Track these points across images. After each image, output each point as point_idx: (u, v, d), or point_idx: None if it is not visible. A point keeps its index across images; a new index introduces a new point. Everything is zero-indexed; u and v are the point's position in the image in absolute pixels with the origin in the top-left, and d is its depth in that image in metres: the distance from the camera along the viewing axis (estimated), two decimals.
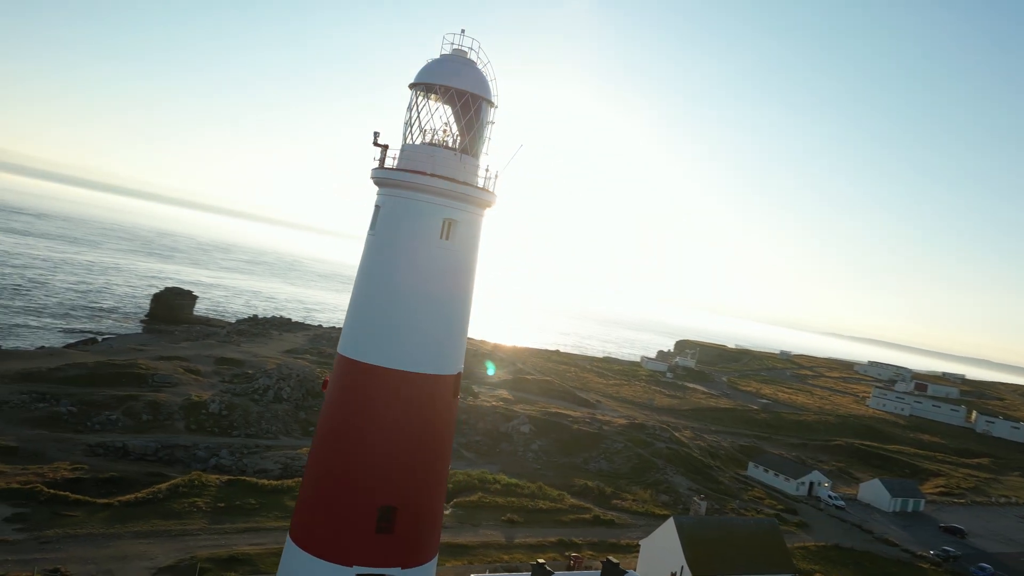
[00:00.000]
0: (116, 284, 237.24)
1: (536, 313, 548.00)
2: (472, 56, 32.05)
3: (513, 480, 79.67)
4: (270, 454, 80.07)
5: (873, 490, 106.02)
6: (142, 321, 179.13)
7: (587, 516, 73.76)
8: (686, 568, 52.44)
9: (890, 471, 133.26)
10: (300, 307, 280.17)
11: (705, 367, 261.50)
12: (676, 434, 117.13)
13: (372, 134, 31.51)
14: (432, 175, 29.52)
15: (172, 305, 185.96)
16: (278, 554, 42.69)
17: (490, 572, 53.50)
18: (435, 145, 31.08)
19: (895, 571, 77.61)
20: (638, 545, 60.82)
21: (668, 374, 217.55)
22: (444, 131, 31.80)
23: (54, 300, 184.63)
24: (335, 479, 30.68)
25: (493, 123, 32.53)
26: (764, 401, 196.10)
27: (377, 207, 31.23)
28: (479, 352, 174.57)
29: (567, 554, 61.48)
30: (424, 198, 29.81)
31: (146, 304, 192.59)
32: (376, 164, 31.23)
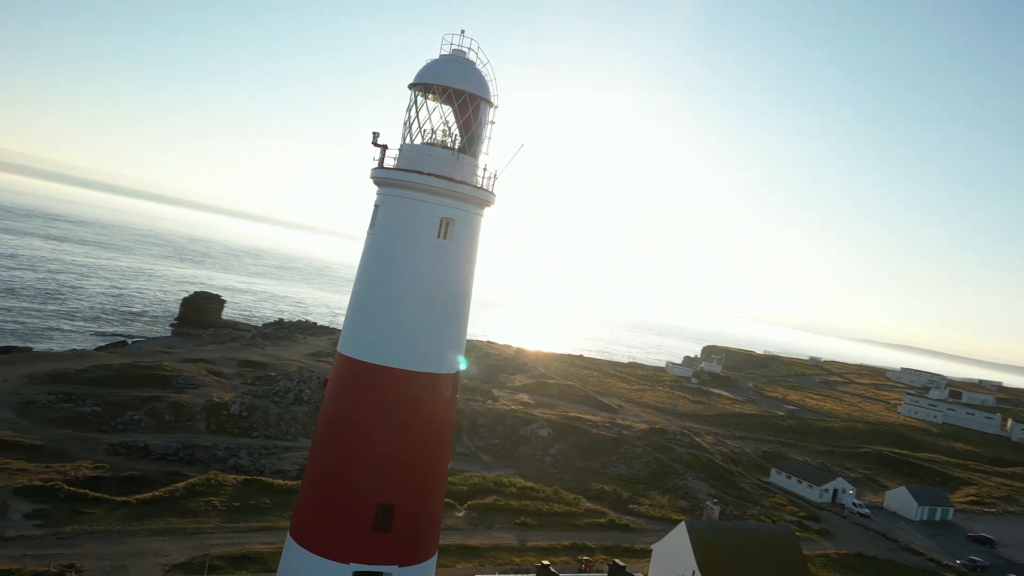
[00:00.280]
0: (148, 289, 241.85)
1: (561, 318, 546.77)
2: (471, 56, 32.18)
3: (529, 483, 79.49)
4: (288, 455, 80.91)
5: (899, 498, 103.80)
6: (171, 325, 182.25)
7: (602, 520, 73.34)
8: (697, 573, 51.80)
9: (920, 479, 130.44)
10: (326, 311, 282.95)
11: (731, 372, 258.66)
12: (697, 439, 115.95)
13: (371, 134, 31.85)
14: (428, 174, 29.69)
15: (201, 309, 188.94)
16: None
17: (499, 574, 53.43)
18: (433, 145, 31.28)
19: None
20: (651, 550, 60.24)
21: (693, 379, 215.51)
22: (443, 131, 32.01)
23: (86, 304, 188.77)
24: (333, 477, 30.92)
25: (493, 123, 32.59)
26: (790, 407, 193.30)
27: (376, 207, 31.50)
28: (501, 357, 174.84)
29: (579, 558, 61.14)
30: (421, 197, 29.96)
31: (176, 308, 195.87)
32: (376, 164, 31.54)
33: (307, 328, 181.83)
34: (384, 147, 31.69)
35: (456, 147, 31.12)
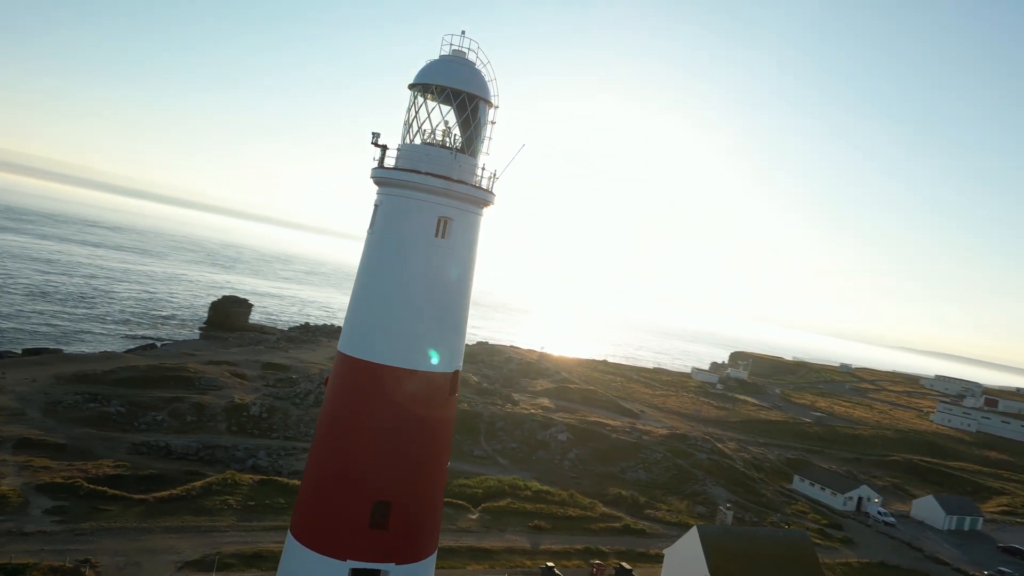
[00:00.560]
0: (178, 293, 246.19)
1: (587, 323, 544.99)
2: (471, 57, 32.31)
3: (544, 487, 79.23)
4: (306, 456, 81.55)
5: (926, 507, 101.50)
6: (200, 328, 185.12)
7: (617, 525, 72.82)
8: None
9: (950, 488, 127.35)
10: None
11: (758, 379, 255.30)
12: (719, 445, 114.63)
13: (371, 135, 32.16)
14: (425, 173, 29.86)
15: (229, 313, 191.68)
16: None
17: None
18: (431, 144, 31.46)
19: None
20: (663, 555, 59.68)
21: (718, 385, 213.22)
22: (443, 131, 32.18)
23: (117, 308, 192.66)
24: (331, 474, 31.14)
25: (493, 123, 32.65)
26: (818, 414, 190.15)
27: (376, 206, 31.76)
28: (524, 361, 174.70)
29: (591, 562, 60.74)
30: (418, 196, 30.14)
31: (205, 312, 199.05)
32: (376, 165, 31.82)
33: (332, 332, 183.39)
34: (384, 147, 31.95)
35: (455, 147, 31.28)
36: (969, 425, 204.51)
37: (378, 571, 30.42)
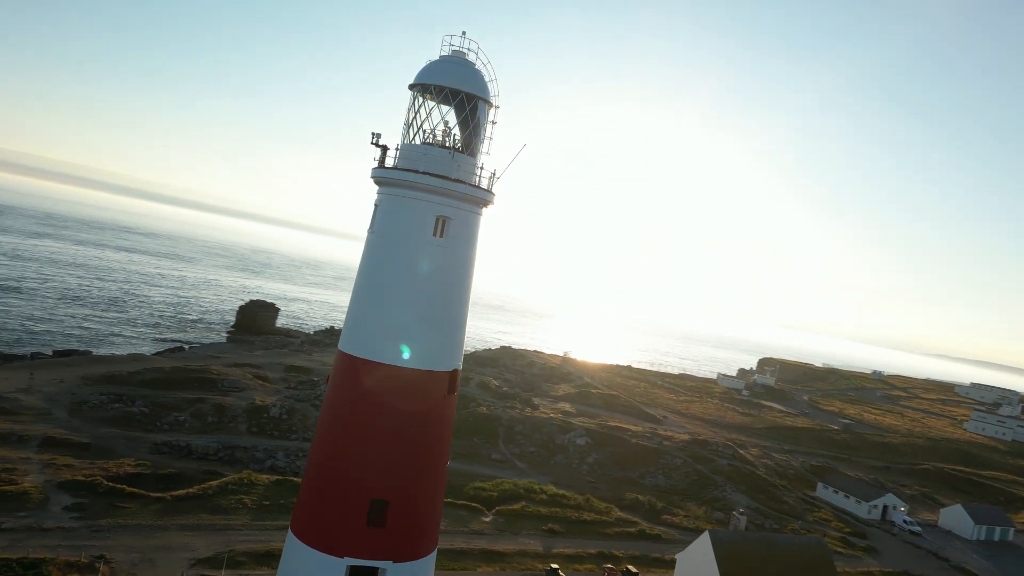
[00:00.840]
0: (207, 297, 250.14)
1: (612, 329, 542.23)
2: (471, 57, 32.45)
3: (560, 491, 78.89)
4: None
5: (954, 516, 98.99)
6: (227, 332, 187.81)
7: (632, 530, 72.15)
8: None
9: (982, 498, 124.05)
10: None
11: (786, 385, 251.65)
12: (741, 452, 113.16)
13: (371, 135, 32.43)
14: (423, 172, 30.02)
15: (255, 316, 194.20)
16: None
17: None
18: (431, 145, 31.64)
19: None
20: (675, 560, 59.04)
21: (744, 391, 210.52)
22: (442, 131, 32.34)
23: (147, 312, 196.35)
24: (330, 471, 31.35)
25: (494, 123, 32.74)
26: (846, 421, 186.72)
27: (376, 206, 32.01)
28: (547, 366, 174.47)
29: (604, 566, 60.28)
30: (416, 195, 30.32)
31: (232, 316, 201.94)
32: (376, 165, 32.08)
33: None
34: (384, 147, 32.20)
35: (454, 146, 31.40)
36: (1004, 434, 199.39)
37: (376, 569, 30.56)
